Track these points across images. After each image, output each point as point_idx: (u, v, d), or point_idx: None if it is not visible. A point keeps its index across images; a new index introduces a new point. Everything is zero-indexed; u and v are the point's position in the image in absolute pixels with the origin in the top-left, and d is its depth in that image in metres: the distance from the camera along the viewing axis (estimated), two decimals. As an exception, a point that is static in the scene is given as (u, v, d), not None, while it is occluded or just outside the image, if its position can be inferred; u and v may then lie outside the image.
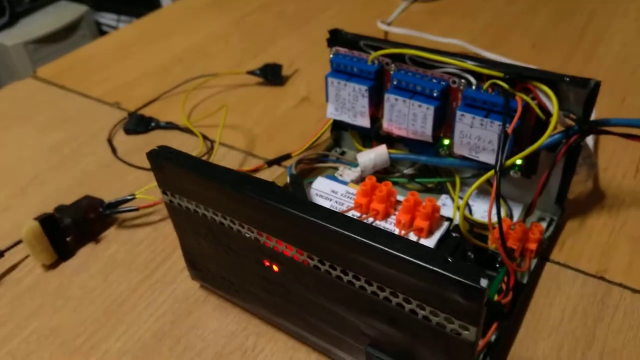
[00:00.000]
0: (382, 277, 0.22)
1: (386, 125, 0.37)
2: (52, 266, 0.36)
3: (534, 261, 0.33)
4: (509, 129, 0.31)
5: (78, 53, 0.64)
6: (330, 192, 0.36)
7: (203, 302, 0.33)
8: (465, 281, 0.19)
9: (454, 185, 0.38)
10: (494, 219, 0.30)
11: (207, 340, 0.30)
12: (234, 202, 0.25)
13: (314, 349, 0.29)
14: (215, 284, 0.32)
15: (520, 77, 0.32)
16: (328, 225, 0.22)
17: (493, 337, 0.29)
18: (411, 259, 0.20)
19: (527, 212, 0.35)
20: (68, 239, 0.37)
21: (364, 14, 0.67)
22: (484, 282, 0.19)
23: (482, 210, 0.37)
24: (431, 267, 0.20)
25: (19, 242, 0.36)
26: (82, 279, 0.35)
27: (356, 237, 0.21)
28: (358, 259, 0.22)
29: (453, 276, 0.19)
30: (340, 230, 0.21)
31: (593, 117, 0.45)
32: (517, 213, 0.37)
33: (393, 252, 0.20)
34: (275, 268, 0.27)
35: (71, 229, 0.36)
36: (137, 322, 0.32)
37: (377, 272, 0.22)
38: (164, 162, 0.27)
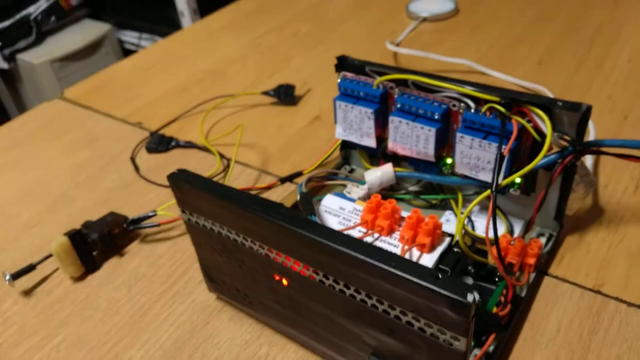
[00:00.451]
0: (380, 292, 0.24)
1: (391, 145, 0.39)
2: (80, 278, 0.39)
3: (533, 275, 0.34)
4: (505, 150, 0.33)
5: (103, 74, 0.67)
6: (339, 209, 0.38)
7: (219, 312, 0.35)
8: (453, 296, 0.21)
9: (457, 202, 0.40)
10: (492, 235, 0.31)
11: (222, 348, 0.33)
12: (245, 221, 0.27)
13: (322, 358, 0.31)
14: (231, 296, 0.34)
15: (515, 102, 0.33)
16: (330, 243, 0.24)
17: (491, 348, 0.30)
18: (404, 275, 0.22)
19: (527, 228, 0.36)
20: (94, 253, 0.40)
21: (375, 33, 0.69)
22: (470, 297, 0.21)
23: (484, 226, 0.39)
24: (422, 283, 0.21)
25: (49, 256, 0.39)
26: (108, 290, 0.38)
27: (355, 254, 0.23)
28: (358, 274, 0.24)
29: (442, 291, 0.21)
30: (341, 248, 0.24)
31: (593, 134, 0.47)
32: (517, 229, 0.38)
33: (388, 268, 0.22)
34: (284, 282, 0.29)
35: (97, 243, 0.39)
36: (158, 331, 0.34)
37: (376, 286, 0.24)
38: (182, 184, 0.29)
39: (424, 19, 0.70)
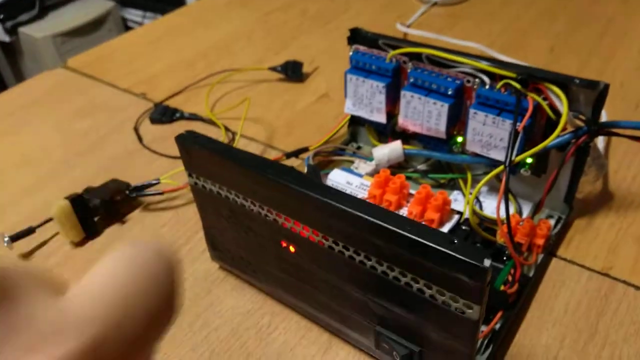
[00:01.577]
0: (392, 258, 0.23)
1: (402, 121, 0.39)
2: (80, 244, 0.38)
3: (541, 256, 0.34)
4: (520, 127, 0.32)
5: (106, 46, 0.66)
6: (346, 183, 0.38)
7: (222, 281, 0.34)
8: (470, 260, 0.20)
9: (465, 182, 0.39)
10: (503, 213, 0.31)
11: (224, 317, 0.32)
12: (256, 184, 0.27)
13: (325, 329, 0.31)
14: (234, 264, 0.34)
15: (532, 78, 0.33)
16: (342, 206, 0.23)
17: (497, 325, 0.30)
18: (420, 240, 0.21)
19: (536, 209, 0.36)
20: (96, 219, 0.39)
21: (384, 15, 0.68)
22: (487, 262, 0.20)
23: (492, 207, 0.38)
24: (438, 247, 0.21)
25: (50, 219, 0.38)
26: (108, 256, 0.37)
27: (369, 218, 0.23)
28: (370, 239, 0.23)
29: (458, 256, 0.20)
30: (354, 211, 0.23)
31: (604, 120, 0.46)
32: (526, 210, 0.38)
33: (404, 233, 0.22)
34: (292, 248, 0.28)
35: (99, 209, 0.39)
36: (159, 298, 0.33)
37: (388, 252, 0.23)
38: (191, 145, 0.29)
39: (435, 3, 0.69)
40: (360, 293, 0.26)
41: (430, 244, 0.21)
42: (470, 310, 0.22)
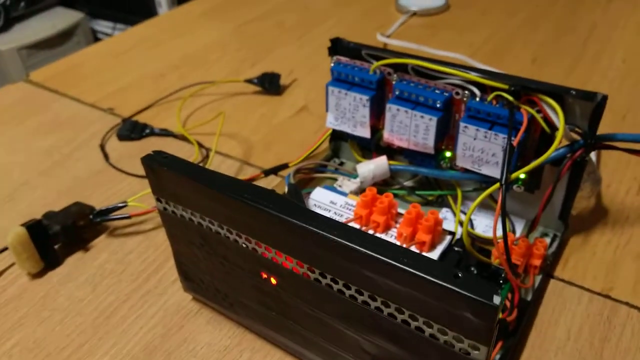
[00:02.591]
0: (387, 292, 0.21)
1: (387, 135, 0.37)
2: (38, 275, 0.35)
3: (539, 278, 0.32)
4: (515, 141, 0.30)
5: (72, 58, 0.63)
6: (329, 203, 0.35)
7: (195, 314, 0.31)
8: (477, 298, 0.18)
9: (455, 199, 0.37)
10: (499, 233, 0.29)
11: (198, 355, 0.29)
12: (231, 210, 0.24)
13: (310, 366, 0.28)
14: (209, 297, 0.31)
15: (525, 90, 0.31)
16: (330, 236, 0.21)
17: (498, 357, 0.28)
18: (419, 274, 0.19)
19: (531, 227, 0.34)
20: (56, 246, 0.35)
21: (363, 26, 0.66)
22: (496, 299, 0.18)
23: (483, 225, 0.36)
24: (441, 283, 0.19)
25: (5, 249, 0.35)
26: (70, 288, 0.34)
27: (361, 249, 0.20)
28: (362, 272, 0.21)
29: (464, 292, 0.18)
30: (344, 241, 0.20)
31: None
32: (519, 228, 0.36)
33: (400, 265, 0.19)
34: (273, 281, 0.25)
35: (60, 236, 0.35)
36: (126, 335, 0.30)
37: (382, 286, 0.21)
38: (158, 167, 0.26)
39: (414, 13, 0.68)
40: (351, 330, 0.23)
41: (431, 278, 0.19)
42: (477, 352, 0.19)
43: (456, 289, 0.18)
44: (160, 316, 0.31)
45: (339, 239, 0.20)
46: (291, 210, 0.22)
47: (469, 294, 0.18)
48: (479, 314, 0.18)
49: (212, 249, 0.27)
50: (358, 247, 0.20)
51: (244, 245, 0.25)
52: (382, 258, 0.20)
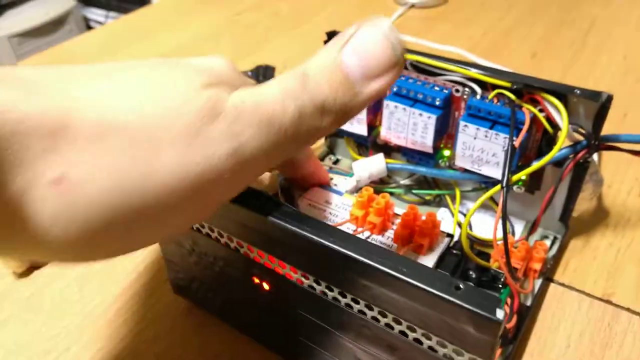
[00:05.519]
0: (385, 302, 0.20)
1: (384, 133, 0.35)
2: (23, 274, 0.33)
3: (538, 282, 0.31)
4: (517, 141, 0.29)
5: (63, 46, 0.61)
6: (324, 203, 0.34)
7: (186, 318, 0.30)
8: (480, 311, 0.17)
9: (453, 199, 0.36)
10: (499, 235, 0.28)
11: (188, 360, 0.28)
12: (222, 213, 0.23)
13: (304, 372, 0.27)
14: (199, 301, 0.30)
15: (528, 88, 0.30)
16: (325, 242, 0.20)
17: (495, 364, 0.27)
18: (418, 284, 0.18)
19: (531, 229, 0.33)
20: (42, 245, 0.34)
21: (360, 17, 0.65)
22: (500, 314, 0.17)
23: (481, 224, 0.35)
24: (441, 294, 0.18)
25: (-12, 247, 0.33)
26: (56, 289, 0.32)
27: (357, 257, 0.19)
28: (358, 280, 0.20)
29: (466, 305, 0.17)
30: (339, 248, 0.19)
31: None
32: (519, 230, 0.35)
33: (398, 275, 0.18)
34: (265, 286, 0.24)
35: (45, 234, 0.34)
36: (113, 338, 0.29)
37: (379, 296, 0.20)
38: (147, 167, 0.24)
39: (412, 5, 0.66)
40: (345, 339, 0.23)
41: (431, 290, 0.18)
42: (477, 366, 0.19)
43: (457, 301, 0.17)
44: (150, 318, 0.30)
45: (333, 246, 0.19)
46: (283, 214, 0.21)
47: (470, 307, 0.17)
48: (481, 328, 0.17)
49: (202, 253, 0.26)
50: (354, 255, 0.19)
51: (235, 250, 0.24)
52: (379, 267, 0.19)
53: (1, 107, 0.14)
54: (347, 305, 0.21)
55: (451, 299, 0.17)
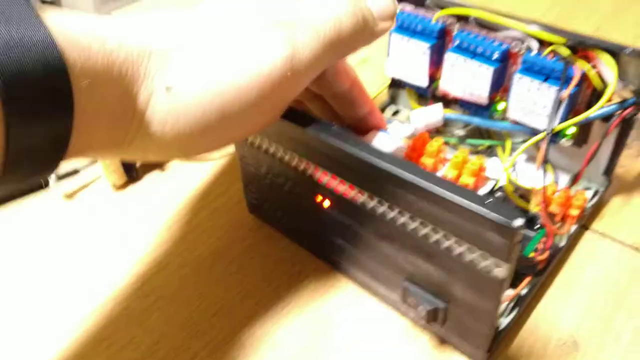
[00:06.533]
0: (426, 214, 0.24)
1: (443, 84, 0.38)
2: (121, 187, 0.40)
3: (574, 227, 0.34)
4: (565, 93, 0.31)
5: (143, 4, 0.67)
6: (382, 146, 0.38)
7: (257, 230, 0.35)
8: (501, 218, 0.21)
9: (504, 149, 0.39)
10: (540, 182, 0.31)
11: (258, 263, 0.33)
12: (295, 138, 0.27)
13: (354, 280, 0.32)
14: (269, 219, 0.35)
15: (581, 45, 0.32)
16: (380, 163, 0.24)
17: (524, 291, 0.30)
18: (453, 197, 0.22)
19: (574, 181, 0.36)
20: (137, 164, 0.40)
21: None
22: (518, 222, 0.20)
23: (528, 177, 0.38)
24: (471, 206, 0.21)
25: (94, 162, 0.40)
26: (147, 200, 0.39)
27: (403, 174, 0.23)
28: (405, 196, 0.24)
29: (490, 213, 0.21)
30: (391, 168, 0.23)
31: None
32: (563, 181, 0.37)
33: (436, 190, 0.22)
34: (326, 203, 0.29)
35: (142, 155, 0.40)
36: (196, 242, 0.35)
37: (421, 209, 0.24)
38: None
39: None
40: (390, 248, 0.27)
41: (463, 201, 0.22)
42: (499, 269, 0.22)
43: (484, 211, 0.21)
44: (226, 229, 0.36)
45: (386, 166, 0.23)
46: (345, 140, 0.25)
47: (494, 215, 0.21)
48: (502, 234, 0.21)
49: (275, 174, 0.31)
50: (403, 173, 0.23)
51: (303, 170, 0.28)
52: (422, 182, 0.22)
53: (145, 39, 0.21)
54: (394, 218, 0.25)
55: (480, 209, 0.21)
